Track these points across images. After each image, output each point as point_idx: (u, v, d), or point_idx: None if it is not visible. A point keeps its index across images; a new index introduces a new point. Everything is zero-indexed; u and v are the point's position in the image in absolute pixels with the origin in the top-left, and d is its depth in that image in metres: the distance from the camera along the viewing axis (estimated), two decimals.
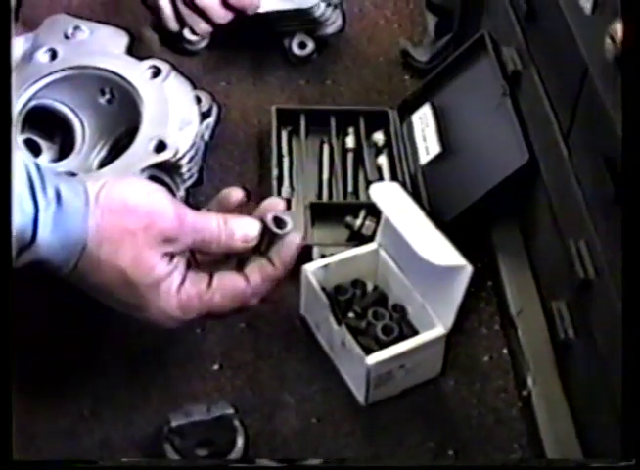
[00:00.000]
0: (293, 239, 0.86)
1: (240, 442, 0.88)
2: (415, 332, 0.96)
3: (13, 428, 0.68)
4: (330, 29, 1.30)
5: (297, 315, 1.02)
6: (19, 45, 1.01)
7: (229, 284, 0.84)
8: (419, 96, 1.19)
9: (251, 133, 1.20)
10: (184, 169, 0.95)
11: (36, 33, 1.03)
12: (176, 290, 0.82)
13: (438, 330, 0.93)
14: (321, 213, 1.08)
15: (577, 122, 0.88)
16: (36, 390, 0.93)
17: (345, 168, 1.15)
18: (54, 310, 0.97)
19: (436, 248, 0.91)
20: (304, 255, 0.99)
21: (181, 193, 0.97)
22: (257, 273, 0.85)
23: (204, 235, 0.82)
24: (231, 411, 0.88)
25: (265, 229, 0.84)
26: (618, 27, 0.69)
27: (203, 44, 1.23)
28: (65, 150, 1.01)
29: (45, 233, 0.75)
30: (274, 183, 1.10)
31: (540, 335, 0.95)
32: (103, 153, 1.00)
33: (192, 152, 0.94)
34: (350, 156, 1.17)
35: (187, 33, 1.19)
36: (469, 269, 0.89)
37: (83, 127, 1.01)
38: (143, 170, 0.91)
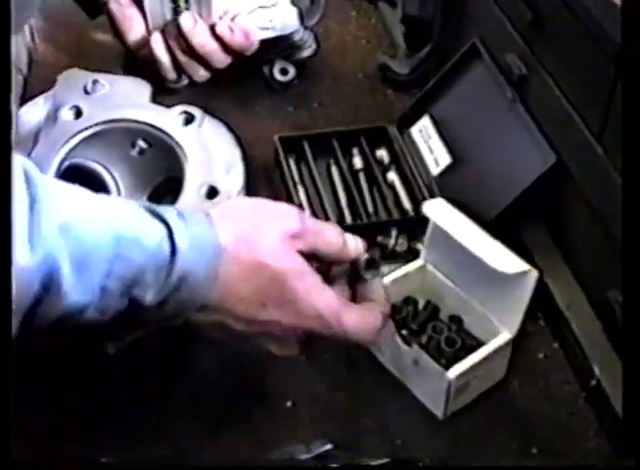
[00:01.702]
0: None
1: None
2: (475, 339, 1.01)
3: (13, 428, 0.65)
4: (306, 52, 1.34)
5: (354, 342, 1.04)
6: (40, 105, 1.00)
7: (371, 316, 0.85)
8: (415, 109, 1.24)
9: (256, 165, 1.22)
10: None
11: (54, 91, 1.02)
12: (322, 286, 0.81)
13: (505, 336, 0.98)
14: None
15: (611, 120, 0.94)
16: (116, 432, 0.93)
17: (360, 189, 1.19)
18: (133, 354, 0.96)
19: (500, 256, 0.95)
20: None
21: None
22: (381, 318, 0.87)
23: (323, 237, 0.82)
24: (330, 447, 0.90)
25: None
26: None
27: (184, 82, 1.24)
28: None
29: (183, 244, 0.74)
30: None
31: (594, 326, 1.02)
32: None
33: (242, 193, 0.96)
34: (362, 176, 1.20)
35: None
36: (534, 274, 0.94)
37: (117, 183, 1.01)
38: None
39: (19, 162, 0.67)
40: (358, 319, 0.83)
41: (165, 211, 0.75)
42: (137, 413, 0.96)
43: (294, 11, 1.28)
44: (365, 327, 0.84)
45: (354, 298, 0.88)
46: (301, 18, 1.28)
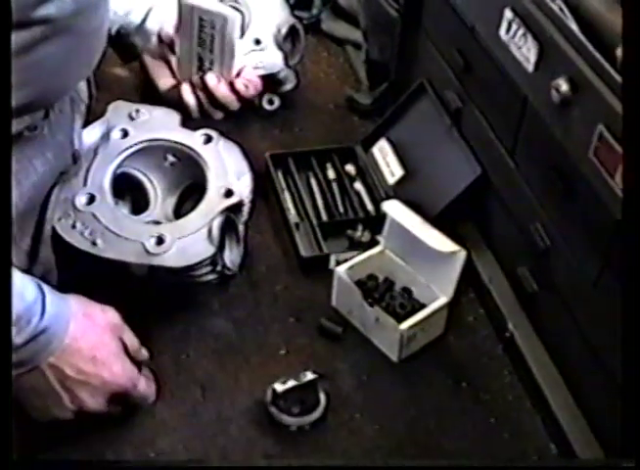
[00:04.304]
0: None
1: (323, 399, 1.31)
2: (422, 305, 1.42)
3: (13, 428, 0.90)
4: (288, 86, 1.75)
5: (330, 307, 1.46)
6: (96, 128, 1.40)
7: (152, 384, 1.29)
8: (375, 133, 1.67)
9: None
10: (245, 208, 1.37)
11: (106, 117, 1.42)
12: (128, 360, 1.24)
13: (443, 300, 1.39)
14: (327, 230, 1.53)
15: (520, 142, 1.36)
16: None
17: (333, 195, 1.61)
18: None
19: (438, 240, 1.38)
20: (323, 261, 1.47)
21: (241, 227, 1.39)
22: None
23: (129, 335, 1.26)
24: (316, 376, 1.31)
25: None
26: (560, 82, 1.17)
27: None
28: (139, 204, 1.42)
29: (49, 306, 1.11)
30: (286, 213, 1.55)
31: (508, 294, 1.44)
32: (172, 203, 1.41)
33: (251, 195, 1.37)
34: (334, 185, 1.63)
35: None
36: (463, 253, 1.36)
37: (154, 186, 1.41)
38: (221, 212, 1.33)
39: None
40: (147, 385, 1.27)
41: (43, 283, 1.13)
42: (176, 368, 1.36)
43: (279, 54, 1.69)
44: (151, 390, 1.28)
45: None
46: (286, 59, 1.70)
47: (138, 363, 1.26)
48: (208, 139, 1.41)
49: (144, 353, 1.28)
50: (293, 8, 1.76)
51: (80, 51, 1.14)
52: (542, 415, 1.32)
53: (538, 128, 1.27)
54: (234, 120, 1.70)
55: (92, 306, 1.21)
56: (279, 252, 1.55)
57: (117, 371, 1.21)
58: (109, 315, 1.22)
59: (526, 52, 1.25)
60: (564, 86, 1.16)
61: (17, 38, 0.97)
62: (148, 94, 1.71)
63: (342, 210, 1.59)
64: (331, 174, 1.63)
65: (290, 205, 1.58)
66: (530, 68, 1.25)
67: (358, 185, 1.63)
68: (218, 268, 1.36)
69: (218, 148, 1.39)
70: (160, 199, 1.42)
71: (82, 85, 1.34)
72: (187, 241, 1.31)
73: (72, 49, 1.10)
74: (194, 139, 1.40)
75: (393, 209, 1.42)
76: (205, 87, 1.54)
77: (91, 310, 1.20)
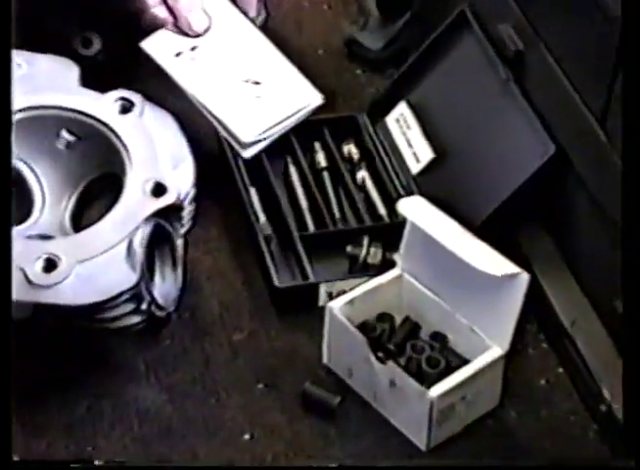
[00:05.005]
0: None
1: None
2: (462, 359, 1.42)
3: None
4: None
5: (319, 365, 1.46)
6: None
7: None
8: (391, 94, 1.67)
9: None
10: (185, 212, 1.38)
11: None
12: None
13: (496, 351, 1.39)
14: (316, 246, 1.54)
15: (614, 102, 1.36)
16: None
17: (325, 192, 1.61)
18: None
19: (486, 258, 1.37)
20: (308, 294, 1.48)
21: (180, 242, 1.39)
22: None
23: None
24: None
25: None
26: None
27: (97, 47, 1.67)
28: (17, 209, 1.42)
29: None
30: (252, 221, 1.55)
31: (602, 342, 1.44)
32: (70, 207, 1.41)
33: (193, 192, 1.38)
34: (326, 175, 1.63)
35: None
36: (525, 277, 1.35)
37: (40, 181, 1.42)
38: (148, 219, 1.33)
39: None
40: None
41: None
42: None
43: None
44: None
45: None
46: None
47: None
48: (127, 106, 1.41)
49: None
50: None
51: None
52: None
53: None
54: (167, 77, 1.70)
55: None
56: (239, 280, 1.56)
57: None
58: None
59: None
60: None
61: None
62: (29, 34, 1.71)
63: (337, 214, 1.60)
64: (321, 160, 1.64)
65: (257, 208, 1.58)
66: None
67: (363, 174, 1.64)
68: (144, 307, 1.37)
69: (143, 120, 1.40)
70: (51, 200, 1.42)
71: None
72: (94, 265, 1.32)
73: None
74: (104, 106, 1.41)
75: (417, 211, 1.42)
76: None
77: None
